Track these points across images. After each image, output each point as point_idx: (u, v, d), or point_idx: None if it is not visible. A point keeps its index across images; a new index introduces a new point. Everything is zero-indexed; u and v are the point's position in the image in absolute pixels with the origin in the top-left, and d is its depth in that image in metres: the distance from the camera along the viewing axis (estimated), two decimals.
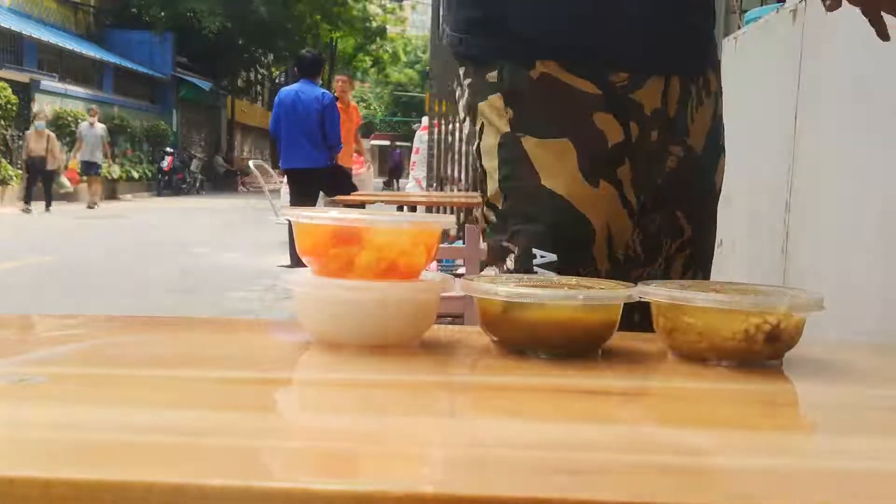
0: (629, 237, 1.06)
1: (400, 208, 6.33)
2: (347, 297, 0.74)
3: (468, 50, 1.09)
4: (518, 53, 1.03)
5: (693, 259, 1.14)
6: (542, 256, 1.00)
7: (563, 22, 1.03)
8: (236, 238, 8.71)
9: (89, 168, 15.89)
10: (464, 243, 2.88)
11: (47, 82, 18.04)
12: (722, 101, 1.18)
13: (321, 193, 6.19)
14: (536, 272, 1.00)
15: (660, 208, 1.11)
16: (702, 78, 1.12)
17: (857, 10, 1.09)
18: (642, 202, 1.07)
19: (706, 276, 1.17)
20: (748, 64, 2.89)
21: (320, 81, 6.29)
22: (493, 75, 1.05)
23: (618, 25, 1.03)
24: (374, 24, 32.23)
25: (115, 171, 19.25)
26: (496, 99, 1.05)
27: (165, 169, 21.58)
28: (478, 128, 1.08)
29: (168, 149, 21.96)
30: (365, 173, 9.51)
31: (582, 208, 1.01)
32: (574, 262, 1.00)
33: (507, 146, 1.05)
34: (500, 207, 1.06)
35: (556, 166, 1.01)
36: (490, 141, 1.07)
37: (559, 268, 1.00)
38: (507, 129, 1.05)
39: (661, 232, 1.12)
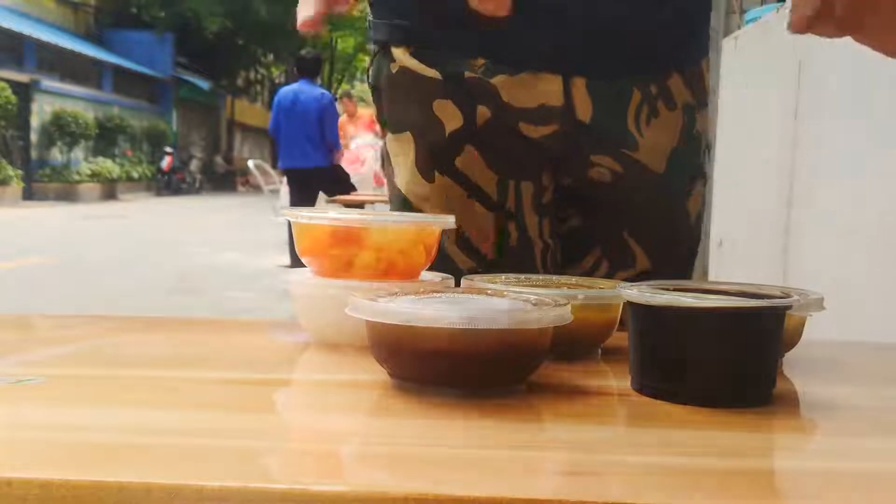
0: (491, 229, 0.95)
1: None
2: (347, 297, 0.74)
3: (369, 39, 1.02)
4: (384, 43, 0.97)
5: None
6: None
7: (423, 9, 0.94)
8: (236, 238, 8.71)
9: None
10: None
11: (47, 82, 18.05)
12: (705, 117, 1.03)
13: (321, 193, 6.20)
14: None
15: (582, 210, 1.02)
16: (654, 85, 0.97)
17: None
18: (508, 188, 0.95)
19: None
20: (748, 64, 2.88)
21: (320, 81, 6.29)
22: (370, 69, 1.01)
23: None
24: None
25: (115, 171, 19.25)
26: (372, 94, 1.02)
27: (165, 169, 21.59)
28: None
29: (167, 149, 21.97)
30: (366, 173, 9.51)
31: (419, 205, 0.95)
32: (434, 264, 0.88)
33: (385, 143, 1.02)
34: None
35: (401, 162, 0.97)
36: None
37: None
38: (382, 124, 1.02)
39: (592, 241, 1.02)
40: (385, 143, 1.01)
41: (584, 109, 0.95)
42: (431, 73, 0.93)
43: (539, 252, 0.99)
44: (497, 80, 0.93)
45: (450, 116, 0.93)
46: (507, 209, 0.96)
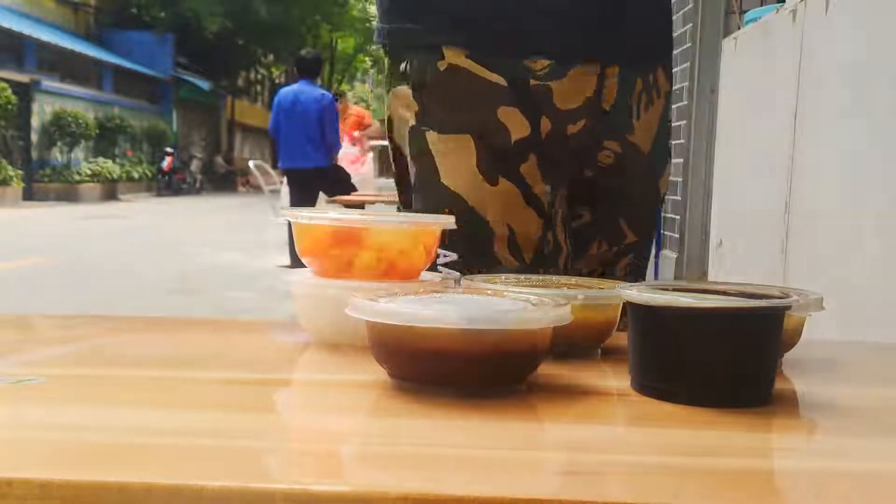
0: (538, 236, 0.99)
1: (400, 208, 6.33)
2: (347, 297, 0.74)
3: (384, 40, 1.05)
4: (427, 43, 0.98)
5: (634, 262, 1.12)
6: (444, 255, 0.98)
7: (477, 8, 0.97)
8: (236, 238, 8.71)
9: None
10: None
11: (47, 82, 18.05)
12: (671, 105, 1.12)
13: (321, 194, 6.20)
14: (441, 271, 0.97)
15: (591, 204, 1.08)
16: (651, 75, 1.05)
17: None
18: (555, 197, 1.01)
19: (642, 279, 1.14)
20: (748, 64, 2.88)
21: (320, 81, 6.30)
22: (404, 66, 1.02)
23: (542, 6, 0.96)
24: (374, 25, 32.22)
25: (116, 171, 19.26)
26: (406, 91, 1.02)
27: (165, 169, 21.58)
28: (386, 118, 1.07)
29: (168, 149, 21.97)
30: (366, 173, 9.52)
31: (478, 207, 0.97)
32: (475, 261, 0.97)
33: (414, 140, 1.02)
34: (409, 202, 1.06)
35: (455, 162, 0.98)
36: (402, 133, 1.05)
37: (462, 268, 0.97)
38: (413, 122, 1.02)
39: (595, 231, 1.09)
40: (421, 141, 1.01)
41: (609, 97, 1.01)
42: (495, 78, 0.96)
43: (563, 257, 1.04)
44: (554, 85, 0.97)
45: (517, 125, 0.96)
46: (552, 219, 1.01)
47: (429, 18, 0.98)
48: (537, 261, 1.00)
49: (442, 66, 0.97)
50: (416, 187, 1.04)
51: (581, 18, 0.98)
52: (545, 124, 0.97)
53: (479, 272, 0.93)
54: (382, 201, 6.62)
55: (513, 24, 0.96)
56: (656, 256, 4.51)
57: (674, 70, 1.19)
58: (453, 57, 0.96)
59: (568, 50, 0.97)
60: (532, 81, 0.96)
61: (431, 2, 0.99)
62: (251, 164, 9.36)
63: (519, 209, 0.98)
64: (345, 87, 30.59)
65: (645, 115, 1.05)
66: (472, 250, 0.99)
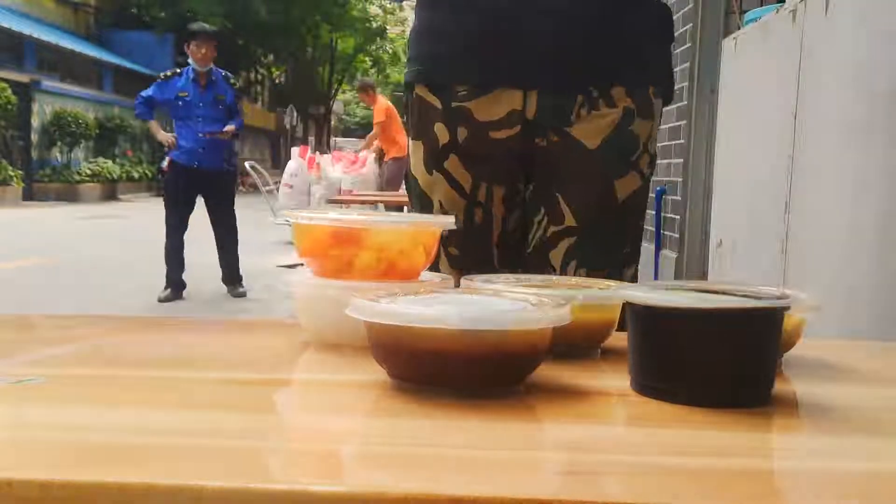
0: (462, 210, 1.34)
1: (400, 208, 6.32)
2: (347, 297, 0.74)
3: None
4: (409, 82, 1.39)
5: (577, 253, 1.30)
6: None
7: (428, 59, 1.37)
8: None
9: None
10: None
11: (47, 82, 18.04)
12: (646, 128, 1.31)
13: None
14: None
15: (530, 179, 1.36)
16: (595, 91, 1.28)
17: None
18: (479, 184, 1.34)
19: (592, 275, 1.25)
20: (748, 64, 2.88)
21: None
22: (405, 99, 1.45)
23: (473, 42, 1.30)
24: (374, 25, 32.22)
25: (116, 171, 19.25)
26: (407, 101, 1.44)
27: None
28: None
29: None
30: (367, 174, 9.53)
31: (425, 189, 1.37)
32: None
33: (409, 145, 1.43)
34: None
35: (415, 161, 1.39)
36: None
37: None
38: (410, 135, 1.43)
39: (536, 204, 1.34)
40: (410, 141, 1.42)
41: (531, 111, 1.30)
42: (433, 102, 1.35)
43: (497, 230, 1.36)
44: (472, 104, 1.31)
45: (442, 136, 1.34)
46: (477, 200, 1.35)
47: (410, 65, 1.41)
48: (467, 228, 1.33)
49: (414, 96, 1.38)
50: (405, 176, 1.45)
51: (502, 56, 1.28)
52: (461, 132, 1.32)
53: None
54: (383, 201, 6.59)
55: (449, 59, 1.34)
56: (656, 256, 4.51)
57: (674, 71, 1.27)
58: (419, 90, 1.37)
59: (488, 77, 1.30)
60: (454, 104, 1.31)
61: (410, 57, 1.40)
62: (247, 164, 9.37)
63: (446, 191, 1.35)
64: (368, 71, 30.29)
65: (587, 117, 1.28)
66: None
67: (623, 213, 1.32)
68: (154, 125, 5.81)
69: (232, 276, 5.85)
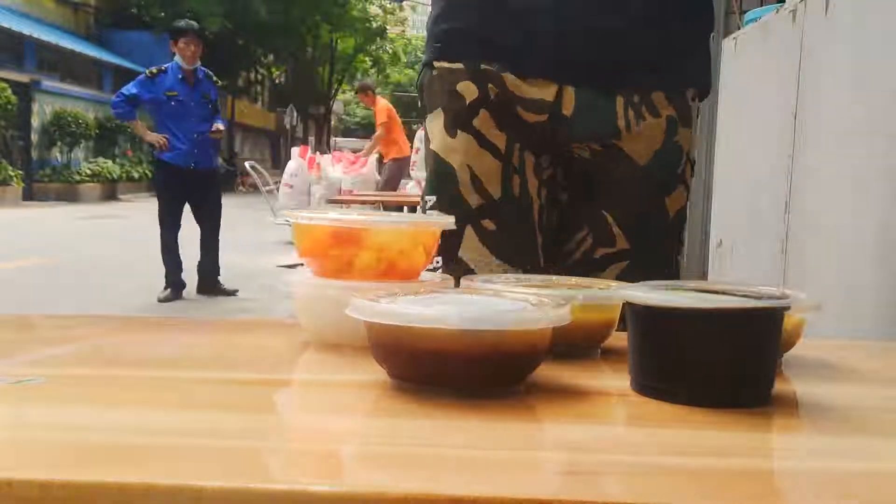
0: (497, 173, 1.19)
1: (400, 208, 6.32)
2: (347, 297, 0.74)
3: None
4: (427, 58, 1.27)
5: (628, 277, 1.08)
6: (427, 199, 1.23)
7: (454, 34, 1.23)
8: (235, 238, 8.72)
9: None
10: None
11: (47, 82, 18.03)
12: (687, 137, 1.22)
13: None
14: (429, 214, 1.20)
15: (568, 188, 1.25)
16: (636, 96, 1.18)
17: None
18: (513, 146, 1.20)
19: None
20: (748, 64, 2.88)
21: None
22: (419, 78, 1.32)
23: (520, 25, 1.17)
24: (374, 25, 32.22)
25: (116, 171, 19.24)
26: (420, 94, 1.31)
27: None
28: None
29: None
30: (367, 174, 9.52)
31: (444, 156, 1.21)
32: (444, 200, 1.19)
33: (425, 128, 1.28)
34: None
35: (432, 129, 1.24)
36: None
37: (439, 207, 1.20)
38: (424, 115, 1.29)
39: (578, 219, 1.23)
40: (425, 125, 1.28)
41: (568, 107, 1.18)
42: (457, 66, 1.20)
43: (537, 210, 1.22)
44: (505, 75, 1.18)
45: (470, 92, 1.19)
46: (512, 163, 1.20)
47: (430, 46, 1.27)
48: (507, 197, 1.19)
49: (434, 73, 1.24)
50: (424, 155, 1.29)
51: (540, 48, 1.17)
52: (492, 89, 1.18)
53: (448, 210, 1.11)
54: (382, 201, 6.58)
55: (478, 37, 1.20)
56: None
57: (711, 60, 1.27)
58: (438, 65, 1.23)
59: (517, 68, 1.18)
60: (483, 66, 1.18)
61: (431, 38, 1.27)
62: (246, 164, 9.37)
63: (475, 153, 1.19)
64: (369, 72, 29.89)
65: (636, 128, 1.18)
66: (441, 191, 1.21)
67: (673, 230, 1.23)
68: (139, 126, 5.63)
69: (211, 282, 5.69)
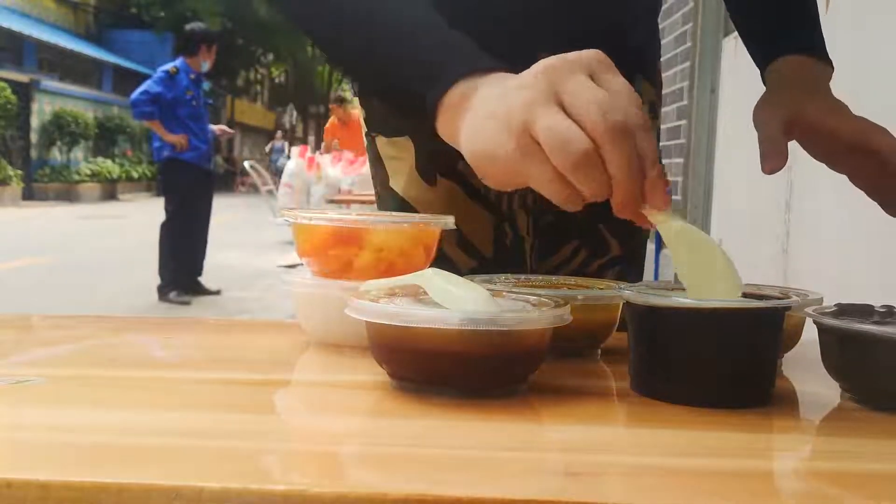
0: (490, 229, 0.99)
1: None
2: (347, 297, 0.74)
3: None
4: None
5: (623, 278, 1.05)
6: None
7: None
8: (235, 238, 8.71)
9: None
10: None
11: (47, 82, 18.04)
12: (658, 117, 1.10)
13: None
14: None
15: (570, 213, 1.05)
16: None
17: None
18: (507, 194, 0.99)
19: None
20: (748, 64, 2.89)
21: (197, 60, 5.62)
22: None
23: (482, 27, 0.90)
24: None
25: (115, 171, 19.25)
26: (357, 99, 1.03)
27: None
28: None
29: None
30: (367, 174, 9.52)
31: (420, 208, 0.97)
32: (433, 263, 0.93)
33: (370, 147, 1.03)
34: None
35: (398, 166, 0.98)
36: None
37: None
38: (365, 128, 1.02)
39: (568, 235, 1.06)
40: (373, 146, 1.02)
41: None
42: None
43: (528, 248, 1.05)
44: None
45: None
46: (503, 210, 1.00)
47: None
48: (500, 254, 1.00)
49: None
50: (376, 193, 1.04)
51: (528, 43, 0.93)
52: None
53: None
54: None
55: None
56: (656, 256, 4.51)
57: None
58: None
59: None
60: None
61: None
62: (246, 164, 9.37)
63: (462, 206, 0.96)
64: (346, 91, 30.28)
65: None
66: None
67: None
68: (159, 125, 5.48)
69: (192, 280, 5.68)
